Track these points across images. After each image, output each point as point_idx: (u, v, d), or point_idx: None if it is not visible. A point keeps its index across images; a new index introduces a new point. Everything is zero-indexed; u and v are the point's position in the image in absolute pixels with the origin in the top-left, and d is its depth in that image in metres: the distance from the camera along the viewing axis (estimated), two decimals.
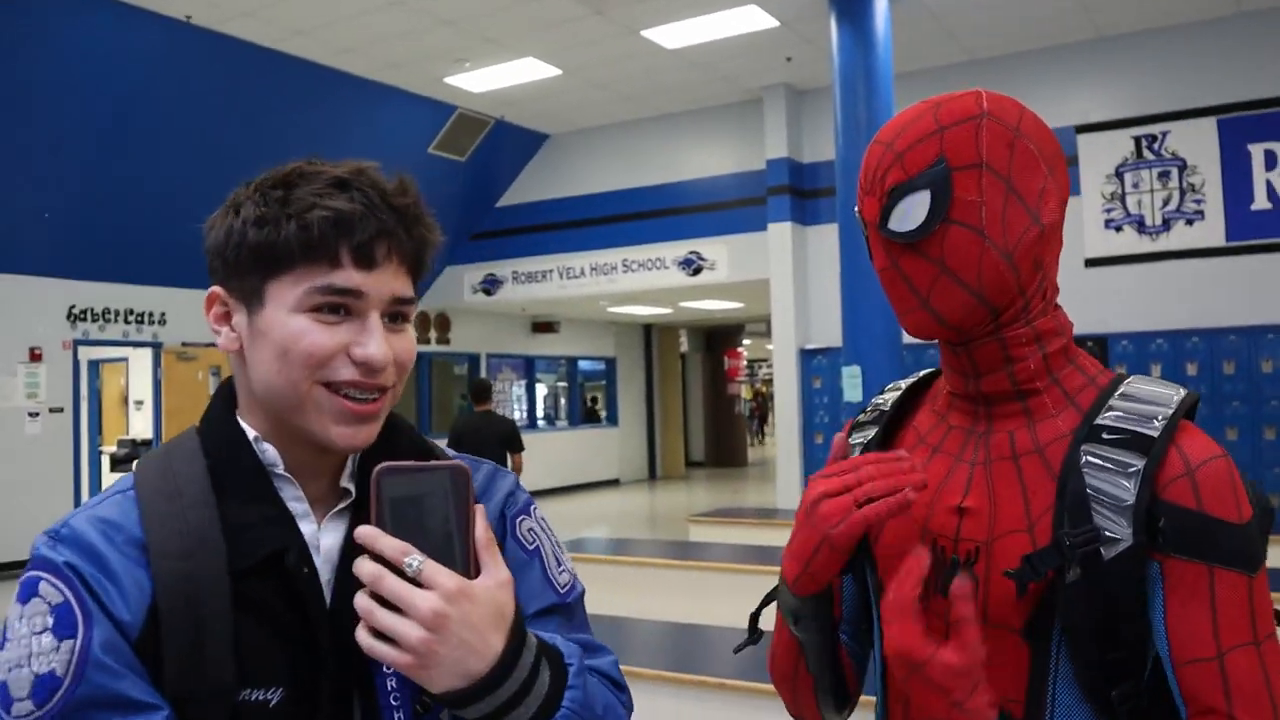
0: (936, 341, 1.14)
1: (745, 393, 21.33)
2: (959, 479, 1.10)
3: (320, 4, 8.39)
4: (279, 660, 0.92)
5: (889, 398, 1.25)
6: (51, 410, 10.02)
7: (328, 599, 0.95)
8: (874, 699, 1.21)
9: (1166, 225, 9.05)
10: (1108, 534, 0.98)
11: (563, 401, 18.41)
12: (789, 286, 10.54)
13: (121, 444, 12.74)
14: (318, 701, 0.92)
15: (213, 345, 11.22)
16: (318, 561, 0.96)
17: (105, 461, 12.76)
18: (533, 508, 1.11)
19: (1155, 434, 1.00)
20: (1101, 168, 9.29)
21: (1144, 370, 8.93)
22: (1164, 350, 9.00)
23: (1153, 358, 9.01)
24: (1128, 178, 9.19)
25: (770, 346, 20.92)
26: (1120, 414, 1.03)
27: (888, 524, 1.13)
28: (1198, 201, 8.92)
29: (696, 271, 11.45)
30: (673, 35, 9.24)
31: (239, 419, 1.00)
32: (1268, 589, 0.99)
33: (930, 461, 1.13)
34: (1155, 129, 9.09)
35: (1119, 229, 9.22)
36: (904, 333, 7.89)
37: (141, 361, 12.68)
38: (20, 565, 8.96)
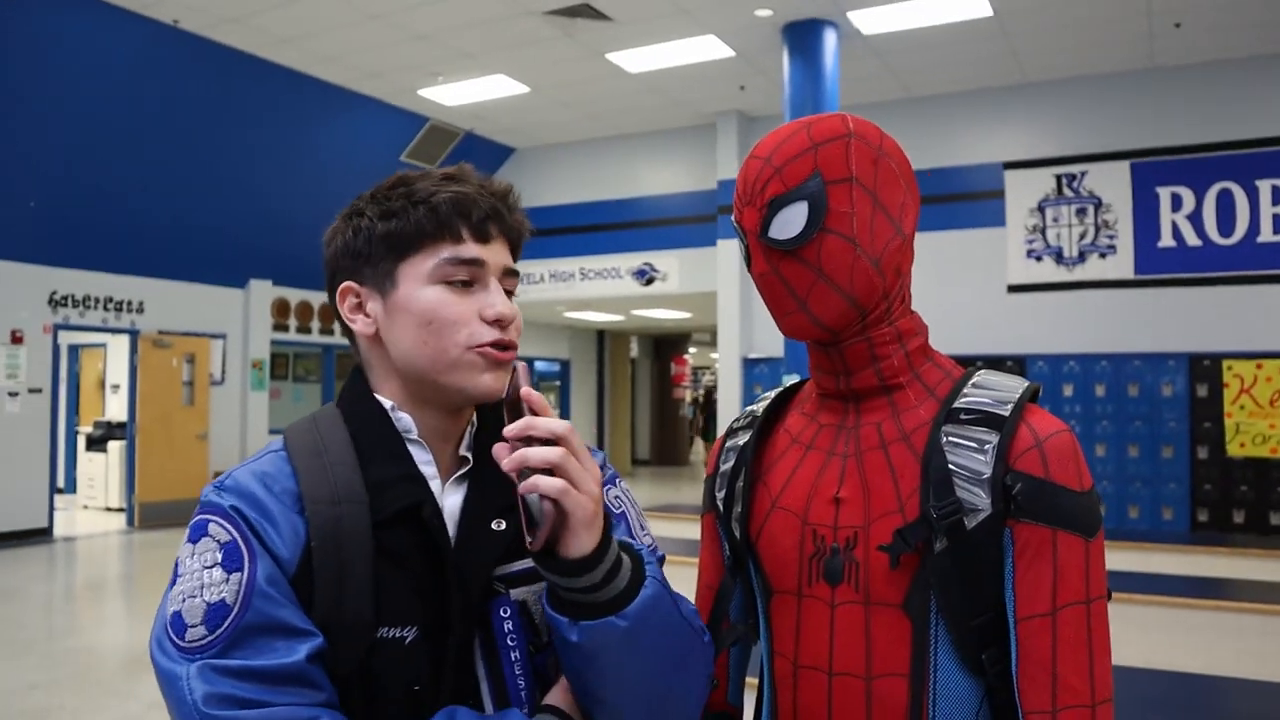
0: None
1: (688, 397, 21.26)
2: (833, 472, 1.12)
3: (304, 15, 8.31)
4: (413, 602, 0.96)
5: (758, 406, 1.26)
6: (31, 390, 9.82)
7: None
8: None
9: (1082, 257, 9.23)
10: (969, 505, 1.01)
11: None
12: (735, 299, 10.61)
13: (97, 425, 12.51)
14: (445, 640, 0.97)
15: (189, 334, 11.13)
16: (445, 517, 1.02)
17: (81, 441, 12.52)
18: (618, 479, 1.17)
19: (1006, 413, 1.04)
20: (1025, 202, 9.45)
21: (1057, 390, 9.10)
22: (1075, 372, 9.16)
23: (1065, 378, 9.17)
24: (1048, 212, 9.36)
25: (714, 355, 21.03)
26: (974, 399, 1.07)
27: (769, 519, 1.14)
28: (1110, 237, 9.11)
29: (649, 282, 11.48)
30: (636, 60, 9.26)
31: (375, 394, 1.05)
32: (1103, 554, 1.03)
33: (805, 458, 1.15)
34: (1074, 169, 9.26)
35: (1039, 259, 9.39)
36: None
37: (119, 347, 12.47)
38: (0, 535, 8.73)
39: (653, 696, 0.98)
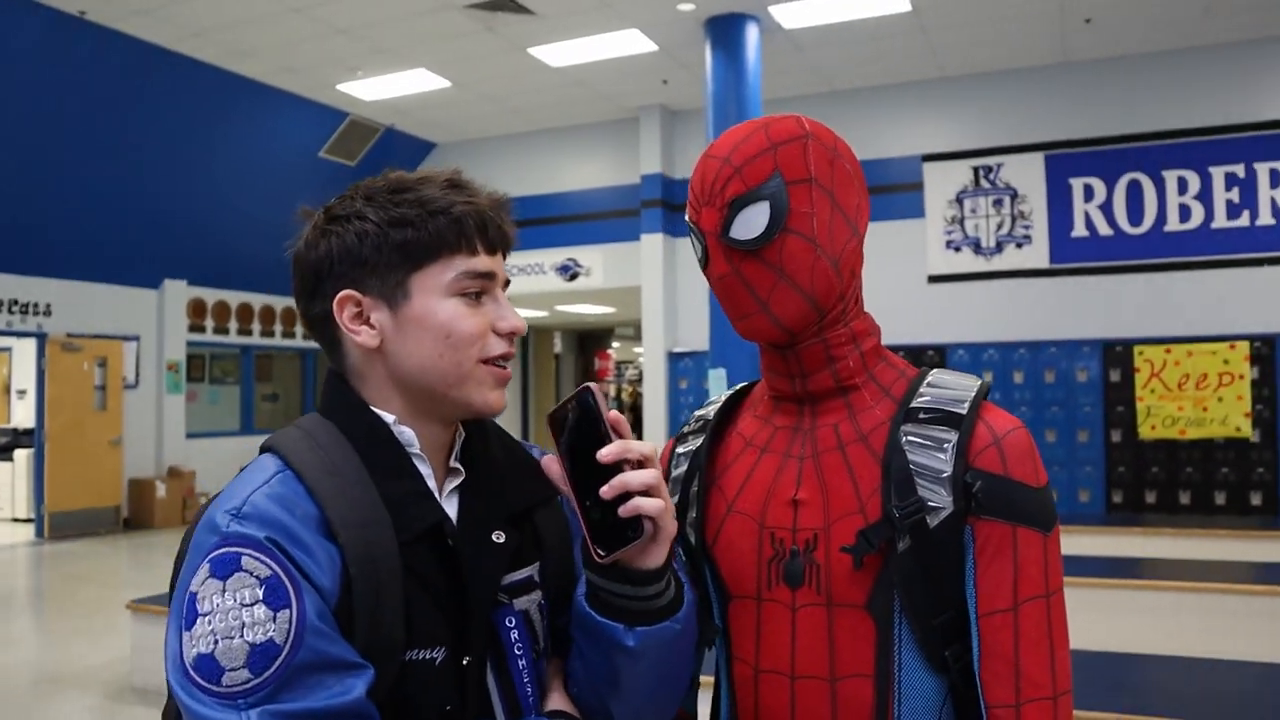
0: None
1: (612, 391, 21.23)
2: (790, 474, 1.11)
3: (217, 7, 8.03)
4: (439, 622, 0.95)
5: (710, 410, 1.25)
6: None
7: None
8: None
9: (999, 247, 9.38)
10: (931, 504, 1.01)
11: None
12: (659, 293, 10.59)
13: (2, 432, 11.95)
14: (466, 657, 0.97)
15: (100, 336, 10.67)
16: None
17: None
18: None
19: (964, 411, 1.04)
20: (944, 193, 9.59)
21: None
22: (994, 360, 9.33)
23: (985, 366, 9.33)
24: (966, 203, 9.49)
25: (637, 349, 21.05)
26: (931, 398, 1.07)
27: (725, 524, 1.13)
28: (1026, 227, 9.28)
29: (573, 277, 11.38)
30: (558, 54, 9.15)
31: (371, 407, 1.02)
32: (1059, 547, 1.05)
33: (760, 461, 1.14)
34: (991, 160, 9.42)
35: (958, 249, 9.52)
36: None
37: (25, 351, 11.92)
38: None
39: (672, 692, 1.03)
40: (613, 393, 21.06)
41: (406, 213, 0.99)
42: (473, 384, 1.00)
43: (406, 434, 1.00)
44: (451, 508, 1.02)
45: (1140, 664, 3.57)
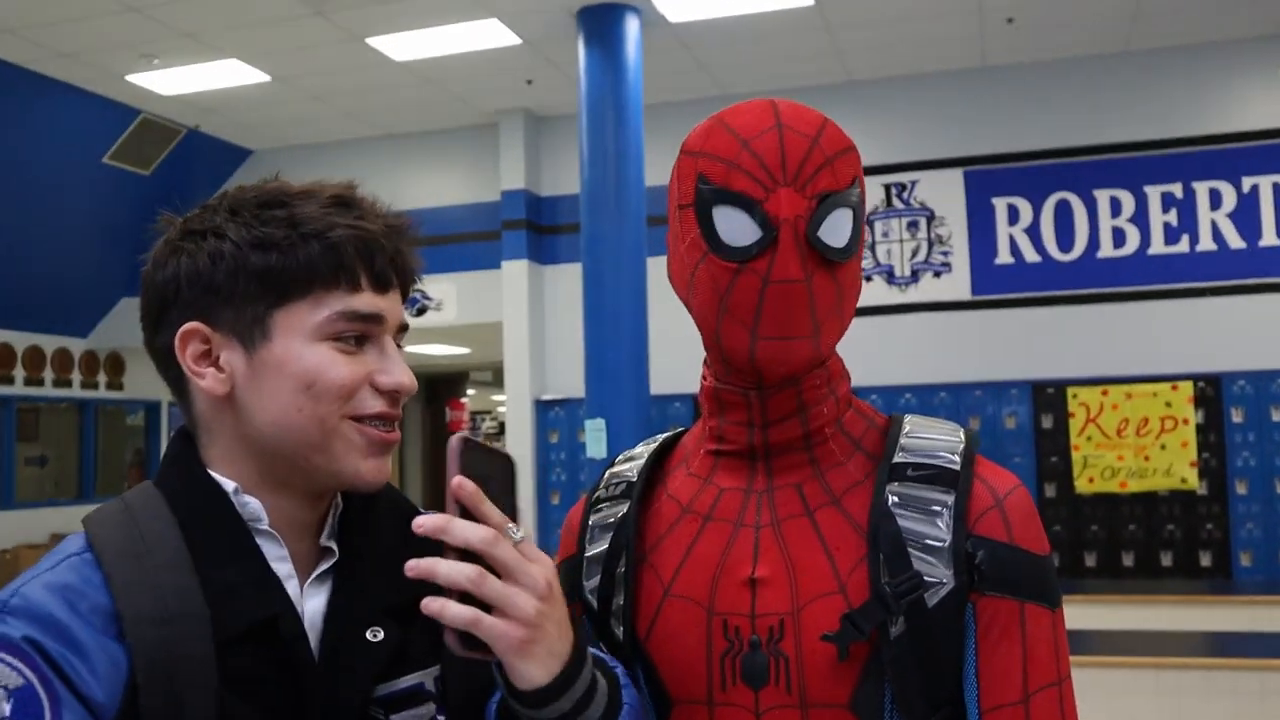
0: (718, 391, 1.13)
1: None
2: (744, 547, 1.08)
3: None
4: None
5: (630, 468, 1.22)
6: None
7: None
8: None
9: (915, 276, 9.60)
10: (929, 579, 1.00)
11: None
12: (524, 330, 10.51)
13: None
14: None
15: None
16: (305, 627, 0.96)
17: None
18: None
19: (957, 467, 1.05)
20: None
21: None
22: (912, 405, 9.48)
23: (901, 412, 9.44)
24: (878, 226, 9.69)
25: (497, 397, 20.77)
26: (915, 452, 1.07)
27: (662, 611, 1.09)
28: (945, 254, 9.52)
29: (421, 312, 11.17)
30: (403, 46, 9.01)
31: (210, 471, 0.99)
32: (1064, 624, 1.07)
33: (704, 531, 1.10)
34: (904, 177, 9.66)
35: (869, 279, 9.68)
36: (650, 383, 8.10)
37: None
38: None
39: None
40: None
41: (272, 233, 0.96)
42: (339, 447, 0.97)
43: (251, 506, 0.97)
44: (317, 598, 0.99)
45: None
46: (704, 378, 1.15)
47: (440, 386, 19.21)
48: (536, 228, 10.68)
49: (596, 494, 1.22)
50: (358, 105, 10.57)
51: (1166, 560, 8.77)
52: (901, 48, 9.14)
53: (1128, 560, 8.86)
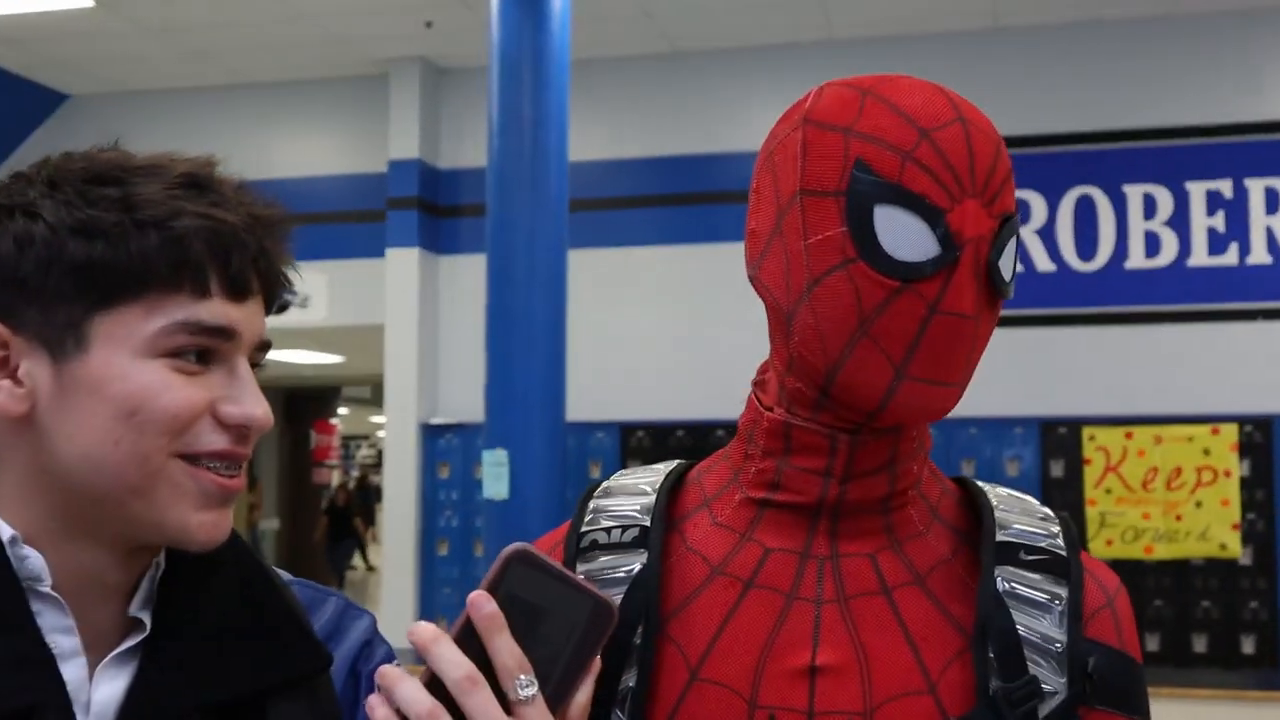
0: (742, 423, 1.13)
1: (335, 480, 20.90)
2: (800, 626, 1.04)
3: None
4: None
5: (632, 506, 1.13)
6: None
7: None
8: None
9: None
10: (1045, 686, 1.01)
11: None
12: (412, 337, 9.90)
13: None
14: None
15: None
16: None
17: None
18: (395, 662, 1.08)
19: (1065, 553, 1.05)
20: None
21: None
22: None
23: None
24: None
25: (376, 419, 19.96)
26: (1020, 529, 1.06)
27: (688, 699, 1.04)
28: None
29: (283, 308, 10.06)
30: None
31: None
32: None
33: (744, 601, 1.06)
34: None
35: None
36: (566, 409, 7.29)
37: None
38: None
39: None
40: (335, 481, 20.38)
41: (100, 217, 0.89)
42: (165, 493, 0.90)
43: (32, 562, 0.90)
44: (114, 683, 0.92)
45: None
46: (757, 402, 1.09)
47: (304, 404, 18.86)
48: (431, 208, 10.08)
49: (589, 536, 1.12)
50: (207, 43, 9.86)
51: (1200, 645, 8.33)
52: (896, 1, 8.73)
53: (1152, 644, 8.38)
